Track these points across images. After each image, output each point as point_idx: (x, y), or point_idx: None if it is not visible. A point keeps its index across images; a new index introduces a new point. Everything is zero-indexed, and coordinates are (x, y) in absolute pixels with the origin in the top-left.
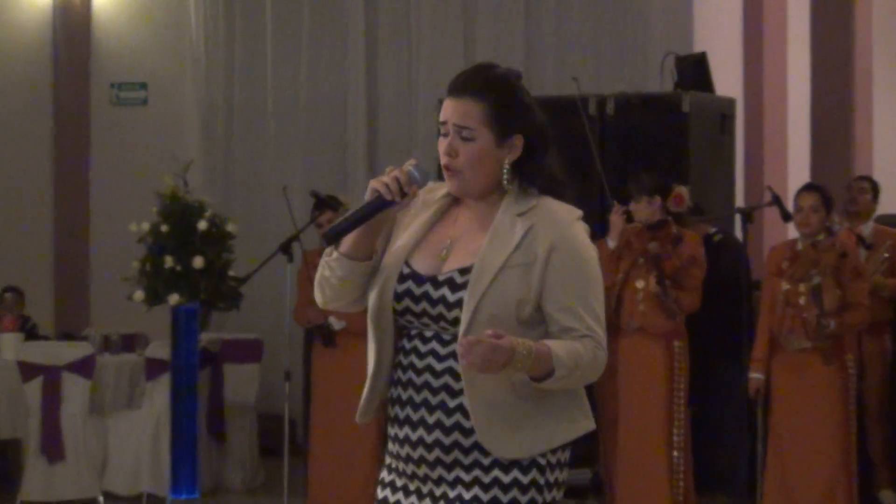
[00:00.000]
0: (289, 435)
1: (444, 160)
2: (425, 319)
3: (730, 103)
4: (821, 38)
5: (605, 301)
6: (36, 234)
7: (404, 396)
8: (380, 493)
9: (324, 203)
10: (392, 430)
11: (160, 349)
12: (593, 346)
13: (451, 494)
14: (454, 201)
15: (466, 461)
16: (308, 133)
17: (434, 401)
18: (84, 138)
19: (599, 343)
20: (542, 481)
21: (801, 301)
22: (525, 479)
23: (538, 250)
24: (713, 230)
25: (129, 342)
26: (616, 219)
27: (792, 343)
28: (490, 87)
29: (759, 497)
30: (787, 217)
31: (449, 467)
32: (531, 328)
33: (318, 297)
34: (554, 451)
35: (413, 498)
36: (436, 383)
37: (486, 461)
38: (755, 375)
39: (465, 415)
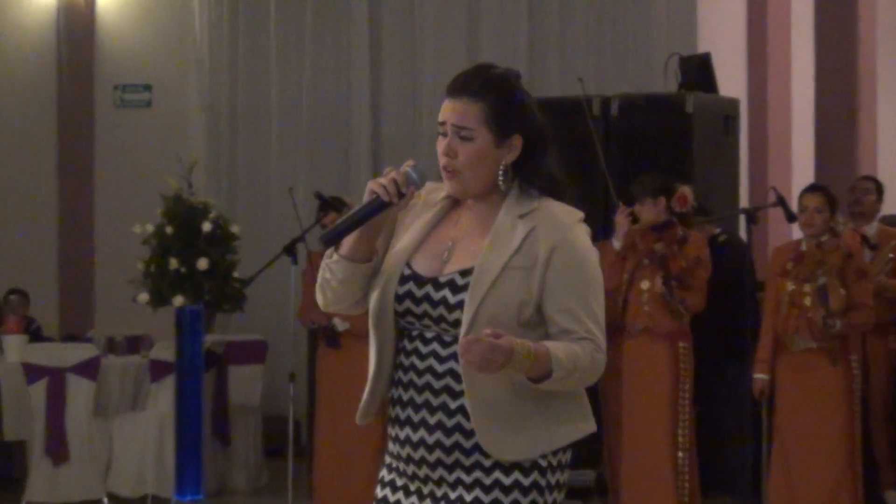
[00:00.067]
0: (293, 436)
1: (442, 160)
2: (426, 321)
3: (733, 104)
4: (824, 39)
5: (612, 302)
6: (40, 236)
7: (405, 397)
8: (379, 492)
9: (328, 204)
10: (393, 431)
11: (164, 351)
12: (592, 348)
13: (453, 496)
14: (455, 202)
15: (467, 462)
16: (312, 134)
17: (435, 402)
18: (88, 140)
19: (599, 346)
20: (543, 483)
21: (807, 301)
22: (526, 481)
23: (539, 252)
24: (718, 231)
25: (134, 344)
26: (621, 220)
27: (797, 343)
28: (489, 87)
29: (764, 498)
30: (791, 218)
31: (450, 468)
32: (532, 330)
33: (319, 299)
34: (555, 453)
35: (413, 498)
36: (437, 384)
37: (487, 463)
38: (760, 376)
39: (467, 416)
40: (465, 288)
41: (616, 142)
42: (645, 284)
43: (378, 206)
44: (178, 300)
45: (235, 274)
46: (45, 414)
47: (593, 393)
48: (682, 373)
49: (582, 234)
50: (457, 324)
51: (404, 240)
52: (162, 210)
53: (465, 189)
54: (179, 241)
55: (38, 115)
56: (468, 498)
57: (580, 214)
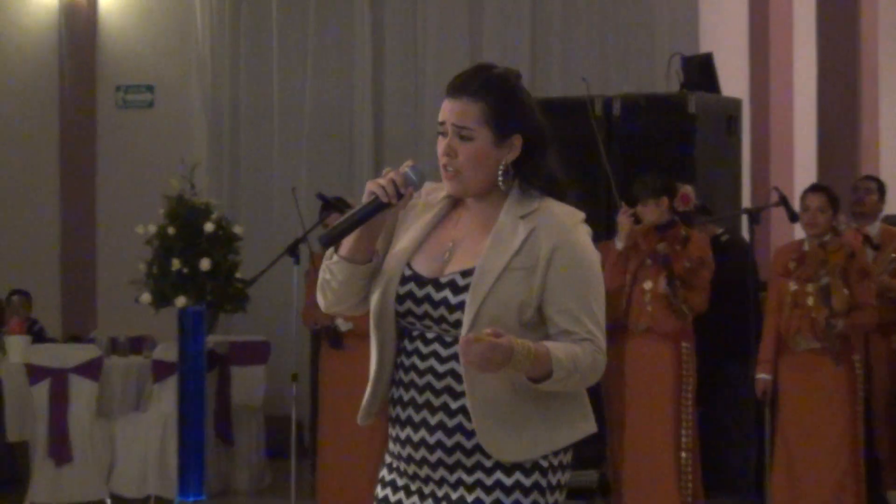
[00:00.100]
0: (296, 437)
1: (442, 160)
2: (427, 321)
3: (736, 104)
4: (827, 39)
5: (615, 302)
6: (43, 237)
7: (406, 397)
8: (380, 492)
9: (330, 205)
10: (393, 431)
11: (167, 351)
12: (592, 349)
13: (454, 496)
14: (455, 203)
15: (469, 463)
16: (314, 135)
17: (436, 402)
18: (90, 141)
19: (599, 347)
20: (544, 483)
21: (809, 301)
22: (527, 482)
23: (540, 253)
24: (720, 231)
25: (136, 344)
26: (623, 220)
27: (800, 343)
28: (488, 86)
29: (767, 498)
30: (793, 217)
31: (451, 469)
32: (533, 331)
33: (320, 301)
34: (556, 454)
35: (415, 498)
36: (438, 385)
37: (488, 463)
38: (762, 376)
39: (468, 416)
40: (466, 289)
41: (618, 142)
42: (648, 285)
43: (377, 207)
44: (181, 301)
45: (238, 274)
46: (47, 415)
47: (596, 393)
48: (684, 373)
49: (583, 235)
50: (458, 324)
51: (405, 240)
52: (164, 210)
53: (465, 189)
54: (182, 242)
55: (41, 115)
56: (469, 499)
57: (581, 215)
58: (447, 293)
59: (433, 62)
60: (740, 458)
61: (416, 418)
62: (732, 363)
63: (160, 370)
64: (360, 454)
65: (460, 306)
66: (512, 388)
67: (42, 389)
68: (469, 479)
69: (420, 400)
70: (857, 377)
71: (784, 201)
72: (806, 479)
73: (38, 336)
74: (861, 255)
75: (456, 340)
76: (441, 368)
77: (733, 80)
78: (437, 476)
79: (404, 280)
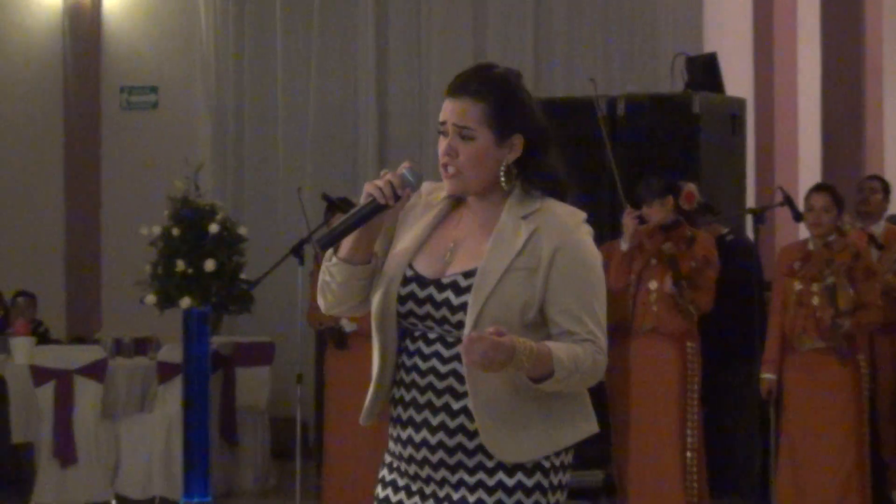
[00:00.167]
0: (301, 437)
1: (443, 160)
2: (429, 322)
3: (740, 104)
4: (831, 38)
5: (621, 302)
6: (47, 239)
7: (407, 397)
8: (381, 492)
9: (335, 206)
10: (394, 431)
11: (172, 352)
12: (594, 350)
13: (455, 497)
14: (456, 203)
15: (470, 464)
16: (319, 136)
17: (438, 402)
18: (94, 142)
19: (600, 347)
20: (546, 484)
21: (815, 301)
22: (529, 482)
23: (542, 254)
24: (725, 231)
25: (141, 346)
26: (628, 221)
27: (805, 343)
28: (489, 86)
29: (772, 497)
30: (798, 217)
31: (452, 469)
32: (535, 331)
33: (321, 302)
34: (557, 454)
35: (416, 498)
36: (440, 385)
37: (490, 464)
38: (767, 376)
39: (470, 417)
40: (468, 289)
41: (622, 142)
42: (653, 284)
43: (374, 209)
44: (186, 302)
45: (242, 275)
46: (52, 416)
47: (601, 393)
48: (689, 373)
49: (585, 235)
50: (460, 325)
51: (405, 241)
52: (168, 212)
53: (466, 188)
54: (186, 243)
55: (45, 117)
56: (471, 499)
57: (583, 215)
58: (449, 294)
59: (437, 63)
60: (745, 459)
61: (418, 419)
62: (737, 363)
63: (165, 371)
64: (365, 455)
65: (462, 307)
66: (514, 388)
67: (47, 391)
68: (471, 480)
69: (422, 400)
70: (863, 377)
71: (788, 201)
72: (811, 479)
73: (43, 337)
74: (866, 254)
75: (458, 341)
76: (443, 369)
77: (737, 80)
78: (438, 476)
79: (406, 281)
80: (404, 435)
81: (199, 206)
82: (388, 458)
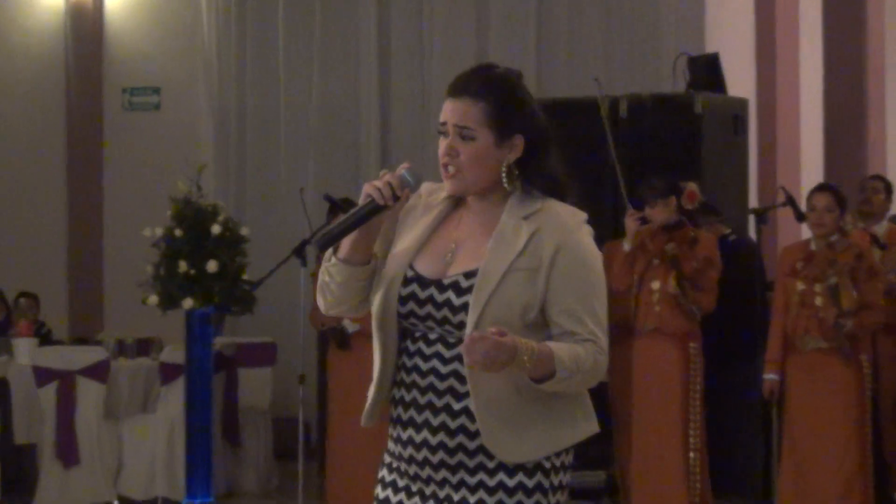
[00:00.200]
0: (303, 438)
1: (443, 160)
2: (430, 323)
3: (742, 104)
4: (833, 38)
5: (624, 303)
6: (50, 240)
7: (408, 398)
8: (380, 493)
9: (337, 206)
10: (395, 432)
11: (174, 353)
12: (595, 350)
13: (456, 498)
14: (456, 204)
15: (471, 464)
16: (321, 136)
17: (439, 403)
18: (97, 143)
19: (601, 348)
20: (546, 484)
21: (817, 301)
22: (530, 483)
23: (544, 254)
24: (728, 231)
25: (144, 346)
26: (630, 223)
27: (808, 343)
28: (489, 87)
29: (775, 498)
30: (800, 217)
31: (453, 470)
32: (536, 332)
33: (320, 302)
34: (558, 454)
35: (416, 499)
36: (441, 386)
37: (490, 464)
38: (769, 376)
39: (470, 417)
40: (469, 290)
41: (625, 142)
42: (655, 285)
43: (373, 210)
44: (188, 303)
45: (245, 276)
46: (55, 417)
47: (603, 393)
48: (692, 373)
49: (586, 236)
50: (461, 326)
51: (406, 241)
52: (171, 213)
53: (466, 189)
54: (189, 244)
55: (47, 118)
56: (472, 500)
57: (584, 216)
58: (450, 294)
59: (439, 63)
60: (747, 459)
61: (419, 419)
62: (739, 363)
63: (167, 372)
64: (368, 455)
65: (464, 307)
66: (515, 388)
67: (49, 392)
68: (471, 481)
69: (422, 401)
70: (865, 377)
71: (791, 201)
72: (813, 479)
73: (46, 338)
74: (869, 254)
75: (459, 342)
76: (444, 369)
77: (740, 80)
78: (438, 477)
79: (407, 281)
80: (405, 435)
81: (202, 206)
82: (387, 459)
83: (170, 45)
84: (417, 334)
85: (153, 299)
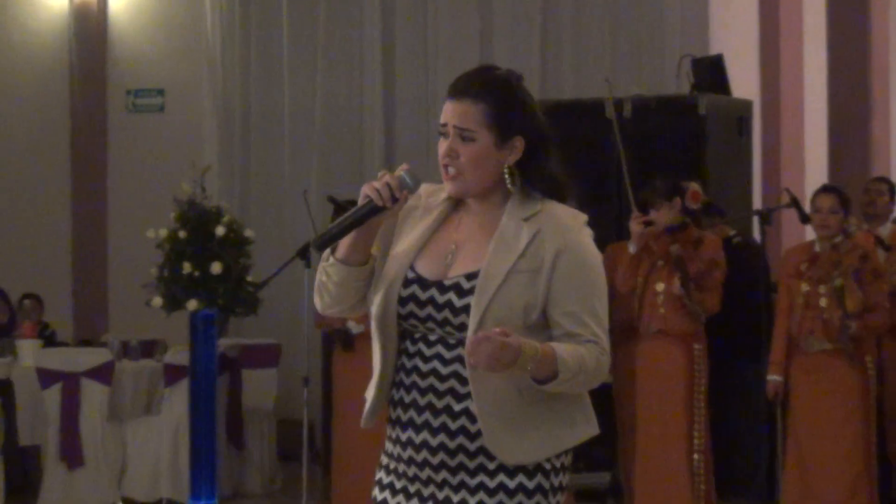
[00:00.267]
0: (307, 440)
1: (444, 161)
2: (430, 324)
3: (746, 105)
4: (837, 39)
5: (629, 304)
6: (54, 241)
7: (407, 399)
8: (378, 495)
9: (341, 208)
10: (394, 433)
11: (178, 355)
12: (598, 351)
13: (455, 499)
14: (456, 205)
15: (471, 465)
16: (325, 137)
17: (439, 404)
18: (101, 145)
19: (603, 349)
20: (547, 485)
21: (822, 303)
22: (530, 484)
23: (545, 256)
24: (733, 233)
25: (148, 348)
26: (634, 225)
27: (812, 345)
28: (490, 88)
29: (779, 499)
30: (804, 219)
31: (453, 471)
32: (538, 333)
33: (317, 302)
34: (558, 455)
35: (414, 501)
36: (441, 387)
37: (491, 465)
38: (774, 378)
39: (471, 418)
40: (471, 291)
41: (629, 144)
42: (660, 286)
43: (371, 210)
44: (192, 304)
45: (249, 278)
46: (59, 419)
47: (607, 395)
48: (696, 374)
49: (586, 237)
50: (462, 327)
51: (406, 243)
52: (175, 214)
53: (467, 190)
54: (193, 246)
55: (51, 120)
56: (472, 501)
57: (584, 217)
58: (451, 296)
59: (443, 65)
60: (752, 461)
61: (418, 420)
62: (744, 365)
63: (172, 374)
64: (372, 457)
65: (465, 309)
66: (517, 390)
67: (54, 393)
68: (471, 482)
69: (422, 402)
70: (870, 378)
71: (795, 202)
72: (818, 480)
73: (50, 340)
74: (873, 256)
75: (459, 343)
76: (444, 371)
77: (744, 82)
78: (438, 478)
79: (407, 282)
80: (404, 436)
81: (206, 208)
82: (384, 460)
83: (174, 46)
84: (417, 335)
85: (157, 301)
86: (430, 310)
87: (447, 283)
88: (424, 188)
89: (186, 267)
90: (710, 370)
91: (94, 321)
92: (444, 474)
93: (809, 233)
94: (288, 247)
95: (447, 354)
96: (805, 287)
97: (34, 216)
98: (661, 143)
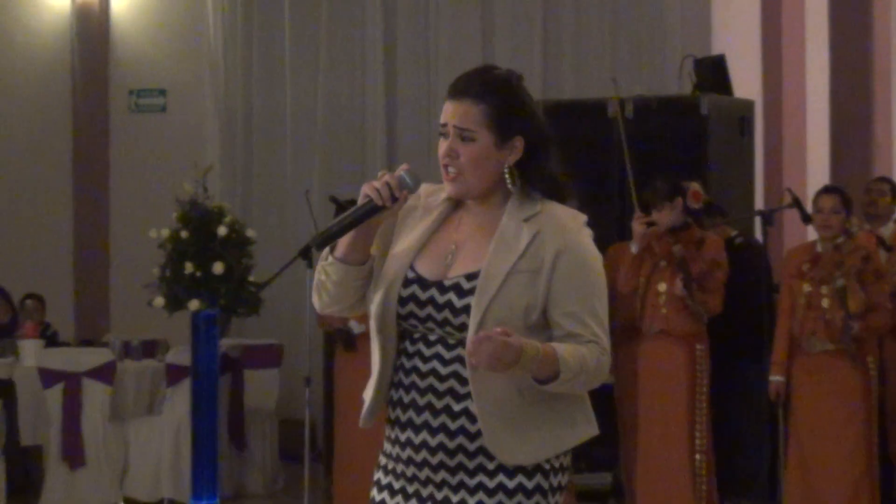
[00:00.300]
0: (309, 440)
1: (444, 161)
2: (430, 324)
3: (748, 105)
4: (839, 40)
5: (631, 305)
6: (56, 241)
7: (406, 399)
8: (376, 495)
9: (344, 208)
10: (392, 433)
11: (180, 355)
12: (598, 351)
13: (454, 499)
14: (455, 205)
15: (471, 465)
16: (327, 138)
17: (439, 404)
18: (103, 145)
19: (604, 349)
20: (546, 486)
21: (824, 303)
22: (530, 484)
23: (545, 256)
24: (734, 233)
25: (150, 348)
26: (636, 226)
27: (814, 345)
28: (490, 88)
29: (781, 500)
30: (806, 219)
31: (452, 471)
32: (538, 333)
33: (315, 301)
34: (557, 456)
35: (413, 501)
36: (441, 387)
37: (490, 466)
38: (776, 378)
39: (471, 419)
40: (471, 292)
41: (631, 144)
42: (662, 287)
43: (370, 210)
44: (194, 304)
45: (251, 278)
46: (61, 418)
47: (609, 395)
48: (698, 375)
49: (586, 238)
50: (462, 327)
51: (405, 243)
52: (177, 214)
53: (467, 190)
54: (195, 246)
55: (53, 120)
56: (471, 501)
57: (584, 218)
58: (452, 296)
59: (445, 65)
60: (754, 461)
61: (418, 420)
62: (746, 365)
63: (173, 374)
64: (375, 458)
65: (465, 309)
66: (517, 390)
67: (55, 393)
68: (471, 482)
69: (421, 402)
70: (872, 379)
71: (797, 203)
72: (820, 481)
73: (52, 340)
74: (876, 256)
75: (459, 343)
76: (444, 371)
77: (746, 82)
78: (437, 478)
79: (407, 282)
80: (403, 437)
81: (208, 208)
82: (383, 461)
83: (176, 47)
84: (417, 335)
85: (159, 301)
86: (429, 310)
87: (447, 283)
88: (424, 188)
89: (188, 267)
90: (712, 370)
91: (95, 321)
92: (443, 474)
93: (811, 233)
94: (290, 247)
95: (447, 354)
96: (807, 287)
97: (36, 216)
98: (663, 143)
